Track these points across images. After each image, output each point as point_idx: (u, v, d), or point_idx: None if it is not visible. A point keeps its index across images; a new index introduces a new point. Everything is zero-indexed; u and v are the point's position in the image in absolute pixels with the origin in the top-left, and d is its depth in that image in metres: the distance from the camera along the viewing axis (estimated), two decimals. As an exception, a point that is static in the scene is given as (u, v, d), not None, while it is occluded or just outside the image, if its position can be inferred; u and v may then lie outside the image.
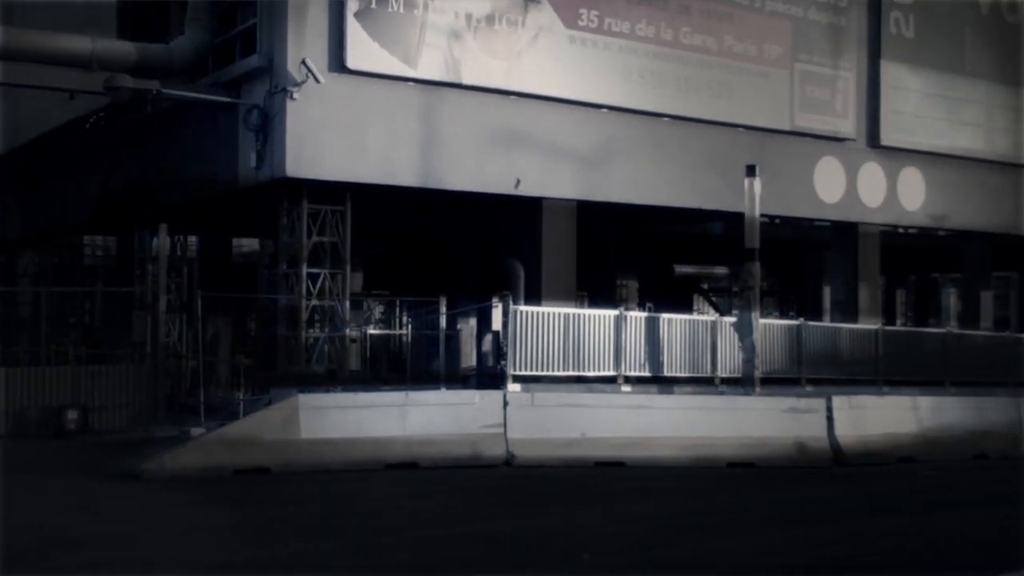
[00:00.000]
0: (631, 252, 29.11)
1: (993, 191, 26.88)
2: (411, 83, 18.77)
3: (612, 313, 19.37)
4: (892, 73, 24.68)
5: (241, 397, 17.09)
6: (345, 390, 16.64)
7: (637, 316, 19.99)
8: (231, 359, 20.70)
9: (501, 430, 14.96)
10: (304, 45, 17.78)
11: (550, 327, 18.28)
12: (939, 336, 24.83)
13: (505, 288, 20.86)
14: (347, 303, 19.18)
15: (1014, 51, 26.89)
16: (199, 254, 25.42)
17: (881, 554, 10.18)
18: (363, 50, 18.12)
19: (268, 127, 18.05)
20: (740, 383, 19.03)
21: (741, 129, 22.55)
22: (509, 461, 14.73)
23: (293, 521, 11.15)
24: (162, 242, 18.82)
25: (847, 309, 24.99)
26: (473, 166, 19.64)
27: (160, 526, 10.76)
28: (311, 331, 18.74)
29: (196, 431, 15.52)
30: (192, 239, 24.83)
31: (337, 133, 18.21)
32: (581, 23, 20.24)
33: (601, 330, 18.93)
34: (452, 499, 12.82)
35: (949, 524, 12.10)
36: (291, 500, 12.34)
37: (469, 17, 19.11)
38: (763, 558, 9.87)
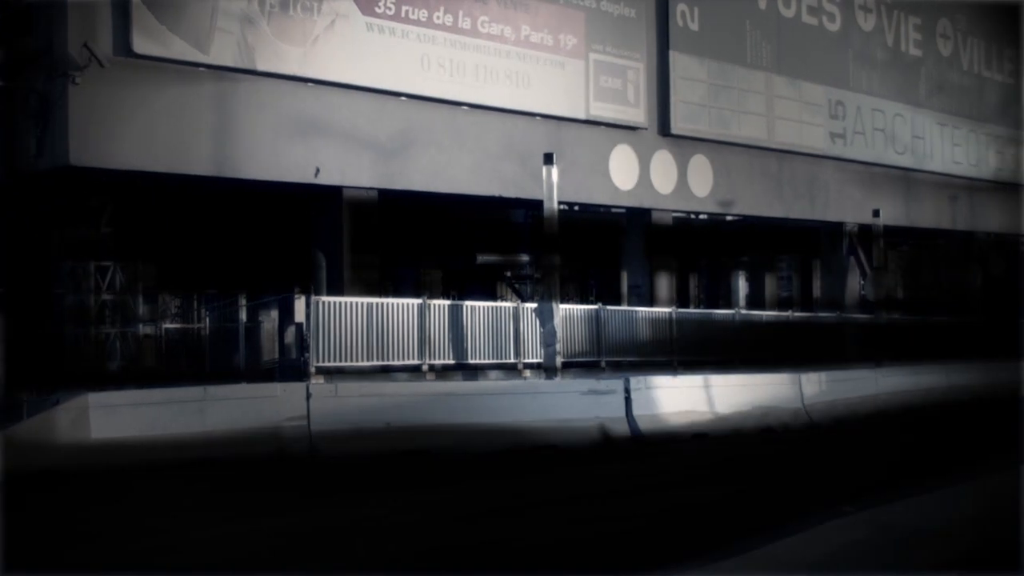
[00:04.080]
0: (435, 242, 29.15)
1: (774, 178, 28.35)
2: (203, 69, 18.19)
3: (415, 302, 19.39)
4: (681, 64, 25.61)
5: (25, 398, 16.17)
6: (139, 387, 16.01)
7: (440, 304, 20.07)
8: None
9: (305, 423, 14.73)
10: (86, 27, 16.94)
11: (354, 318, 18.14)
12: (728, 318, 26.03)
13: (308, 280, 20.54)
14: (140, 297, 18.48)
15: (788, 42, 28.39)
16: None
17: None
18: (151, 34, 17.43)
19: (49, 114, 17.13)
20: (543, 368, 19.42)
21: (539, 118, 22.93)
22: (314, 454, 14.52)
23: (79, 526, 10.64)
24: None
25: (643, 293, 25.86)
26: (270, 155, 19.22)
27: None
28: (102, 327, 17.96)
29: (-28, 436, 14.58)
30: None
31: (125, 120, 17.44)
32: (378, 10, 20.11)
33: (405, 319, 18.92)
34: (251, 495, 12.50)
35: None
36: (78, 504, 11.76)
37: (263, 2, 18.67)
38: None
